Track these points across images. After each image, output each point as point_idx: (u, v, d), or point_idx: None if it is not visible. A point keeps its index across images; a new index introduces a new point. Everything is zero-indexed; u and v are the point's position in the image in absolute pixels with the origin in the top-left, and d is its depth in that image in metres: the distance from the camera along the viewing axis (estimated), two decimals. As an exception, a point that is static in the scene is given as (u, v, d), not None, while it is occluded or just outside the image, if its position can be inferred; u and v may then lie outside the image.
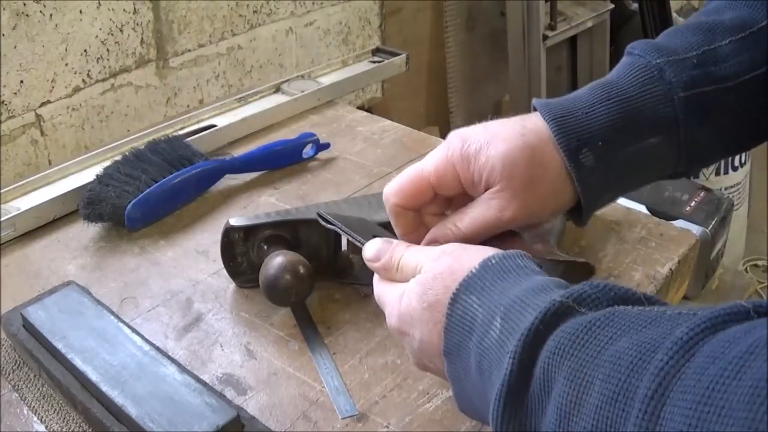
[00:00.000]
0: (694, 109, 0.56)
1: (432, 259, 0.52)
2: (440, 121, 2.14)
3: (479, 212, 0.56)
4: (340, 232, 0.62)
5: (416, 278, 0.52)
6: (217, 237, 0.76)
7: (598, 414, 0.37)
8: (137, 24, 1.19)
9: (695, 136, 0.57)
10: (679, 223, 0.91)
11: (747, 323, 0.35)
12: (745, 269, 2.29)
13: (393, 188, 0.58)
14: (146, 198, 0.85)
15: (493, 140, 0.55)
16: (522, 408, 0.42)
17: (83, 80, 1.15)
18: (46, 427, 0.61)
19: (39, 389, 0.64)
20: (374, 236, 0.58)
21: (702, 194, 1.21)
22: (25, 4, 1.03)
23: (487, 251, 0.50)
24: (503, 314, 0.45)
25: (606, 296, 0.43)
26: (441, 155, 0.57)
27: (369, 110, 1.61)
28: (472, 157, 0.55)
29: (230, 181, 0.96)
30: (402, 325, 0.53)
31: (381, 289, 0.56)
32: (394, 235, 0.60)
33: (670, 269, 0.80)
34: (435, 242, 0.57)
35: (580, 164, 0.54)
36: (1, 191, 0.86)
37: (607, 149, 0.55)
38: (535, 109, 0.58)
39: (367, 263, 0.57)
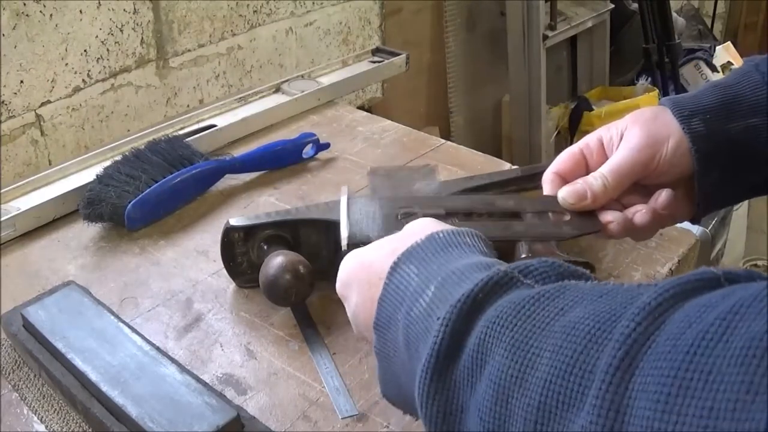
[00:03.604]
0: None
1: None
2: (440, 121, 2.14)
3: (616, 154, 0.64)
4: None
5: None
6: (217, 237, 0.76)
7: (547, 389, 0.33)
8: (137, 24, 1.19)
9: None
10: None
11: (721, 290, 0.32)
12: (745, 269, 2.29)
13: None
14: (146, 198, 0.85)
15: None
16: (449, 382, 0.38)
17: (83, 80, 1.14)
18: (46, 427, 0.61)
19: (39, 389, 0.64)
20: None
21: (702, 194, 1.20)
22: (25, 4, 1.03)
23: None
24: (438, 284, 0.42)
25: (555, 271, 0.40)
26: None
27: (369, 110, 1.61)
28: (604, 130, 0.66)
29: (230, 181, 0.96)
30: (342, 288, 0.52)
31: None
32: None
33: (670, 269, 0.80)
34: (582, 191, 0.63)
35: (693, 129, 0.61)
36: (1, 191, 0.86)
37: (715, 121, 0.62)
38: None
39: None
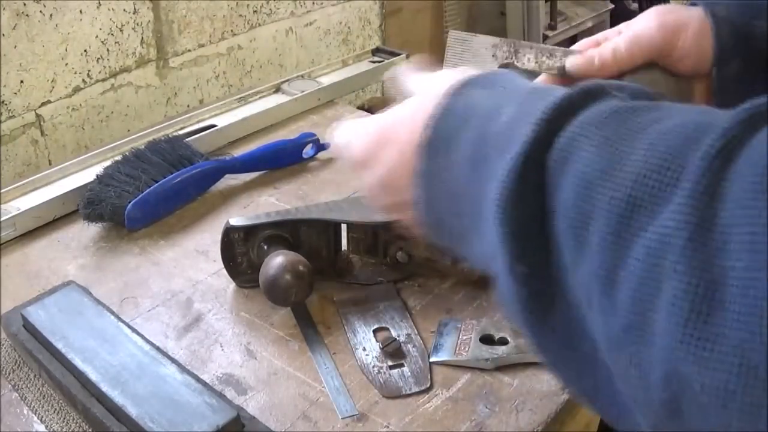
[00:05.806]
0: None
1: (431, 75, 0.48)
2: (440, 121, 2.14)
3: (632, 29, 0.63)
4: None
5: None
6: (217, 237, 0.76)
7: (639, 183, 0.30)
8: (137, 24, 1.19)
9: None
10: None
11: None
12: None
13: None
14: (146, 198, 0.85)
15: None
16: (535, 185, 0.35)
17: (83, 80, 1.14)
18: (46, 427, 0.61)
19: (39, 389, 0.64)
20: None
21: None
22: (25, 4, 1.03)
23: None
24: (518, 104, 0.38)
25: (646, 94, 0.37)
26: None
27: (369, 110, 1.61)
28: (624, 24, 0.65)
29: (230, 181, 0.96)
30: (367, 152, 0.48)
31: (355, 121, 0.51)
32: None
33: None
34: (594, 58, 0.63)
35: (716, 13, 0.61)
36: (1, 191, 0.86)
37: (739, 13, 0.61)
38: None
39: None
